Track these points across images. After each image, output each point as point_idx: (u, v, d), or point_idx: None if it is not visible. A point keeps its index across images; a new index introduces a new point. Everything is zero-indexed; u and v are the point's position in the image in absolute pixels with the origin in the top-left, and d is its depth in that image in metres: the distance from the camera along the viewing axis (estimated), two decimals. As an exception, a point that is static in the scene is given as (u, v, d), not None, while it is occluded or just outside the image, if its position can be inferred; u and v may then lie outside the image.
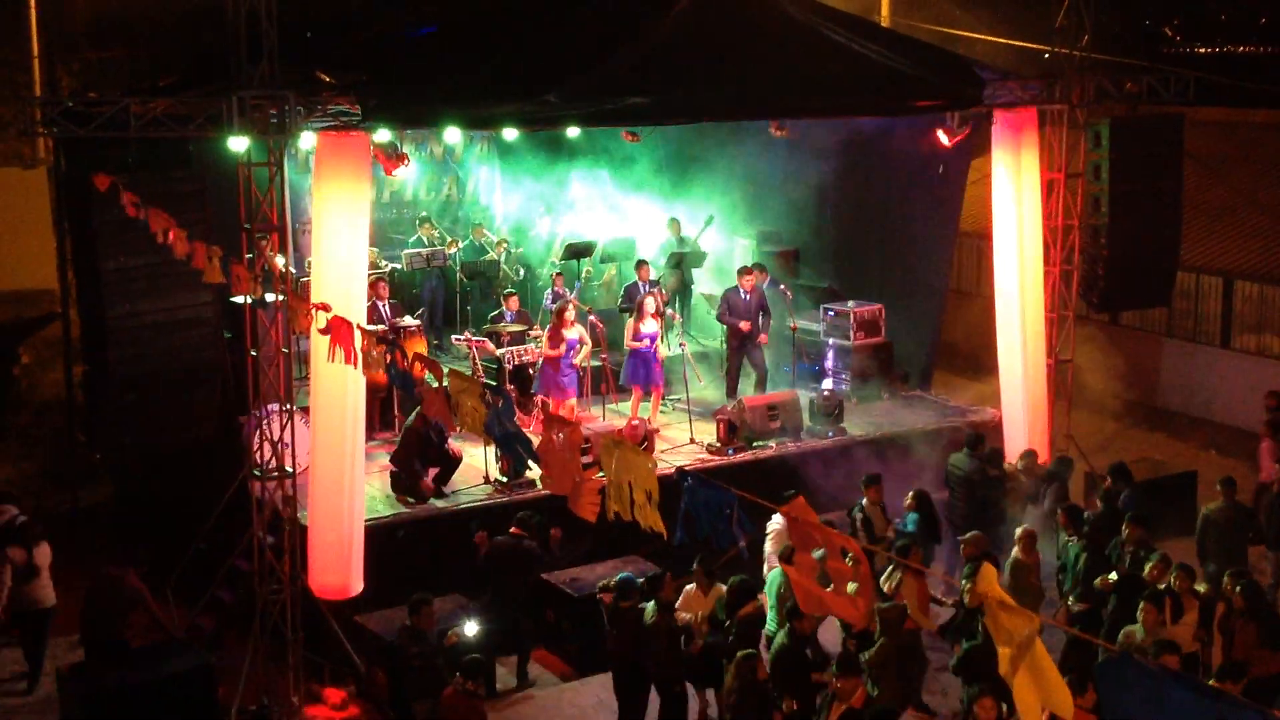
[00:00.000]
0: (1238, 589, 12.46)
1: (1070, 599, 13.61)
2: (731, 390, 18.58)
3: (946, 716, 12.89)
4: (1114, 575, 13.32)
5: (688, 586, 12.97)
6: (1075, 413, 18.20)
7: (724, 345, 19.08)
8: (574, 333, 16.95)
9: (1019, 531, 13.95)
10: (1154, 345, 23.13)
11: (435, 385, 9.96)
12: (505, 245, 20.80)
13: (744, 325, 18.20)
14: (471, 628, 13.00)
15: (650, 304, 17.53)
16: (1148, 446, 20.29)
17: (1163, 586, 12.62)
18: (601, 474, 8.76)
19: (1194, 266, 22.29)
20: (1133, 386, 22.97)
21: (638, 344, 17.33)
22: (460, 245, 20.46)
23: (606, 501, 8.57)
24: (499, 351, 17.40)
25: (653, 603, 12.43)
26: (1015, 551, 13.76)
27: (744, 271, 18.74)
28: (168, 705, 12.53)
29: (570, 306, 17.26)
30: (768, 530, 13.97)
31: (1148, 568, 13.06)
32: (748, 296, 18.38)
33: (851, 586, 7.90)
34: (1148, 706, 5.84)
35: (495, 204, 22.29)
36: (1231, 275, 22.34)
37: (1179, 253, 18.96)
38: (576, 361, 17.01)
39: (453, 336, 19.17)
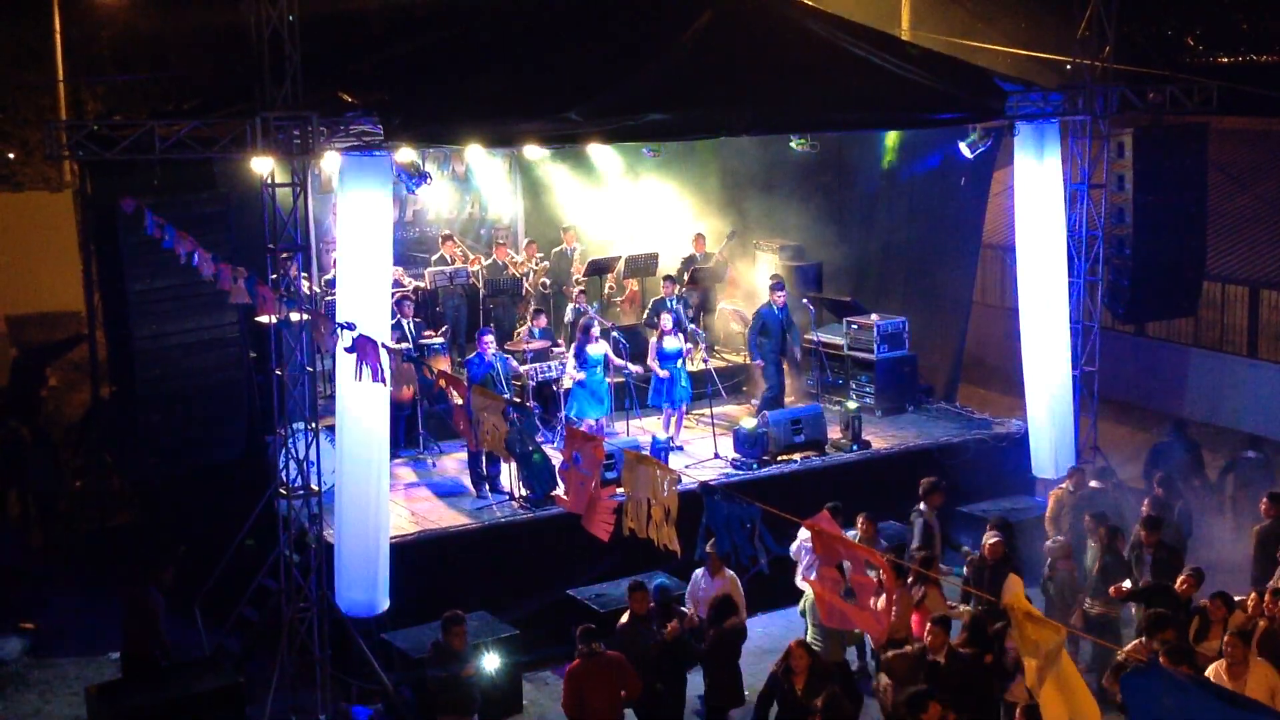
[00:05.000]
0: (1278, 603, 12.30)
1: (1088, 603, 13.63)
2: (766, 406, 18.18)
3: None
4: (1127, 583, 13.23)
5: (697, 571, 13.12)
6: (1101, 424, 18.11)
7: (751, 361, 18.89)
8: (600, 349, 16.96)
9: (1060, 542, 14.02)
10: (1180, 355, 23.01)
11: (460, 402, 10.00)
12: (529, 264, 20.80)
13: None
14: (493, 660, 12.95)
15: (667, 321, 17.51)
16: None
17: (1202, 603, 12.47)
18: (620, 491, 8.78)
19: (1219, 276, 22.18)
20: (1159, 397, 22.86)
21: (662, 370, 17.32)
22: (483, 262, 20.48)
23: (623, 519, 8.58)
24: (523, 368, 17.39)
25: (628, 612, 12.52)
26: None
27: (777, 286, 18.64)
28: (197, 724, 12.59)
29: (595, 323, 17.26)
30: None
31: (1179, 580, 12.93)
32: (780, 312, 18.28)
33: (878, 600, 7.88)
34: (1176, 716, 5.81)
35: (518, 221, 22.31)
36: (1257, 284, 22.22)
37: (1204, 262, 18.87)
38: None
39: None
